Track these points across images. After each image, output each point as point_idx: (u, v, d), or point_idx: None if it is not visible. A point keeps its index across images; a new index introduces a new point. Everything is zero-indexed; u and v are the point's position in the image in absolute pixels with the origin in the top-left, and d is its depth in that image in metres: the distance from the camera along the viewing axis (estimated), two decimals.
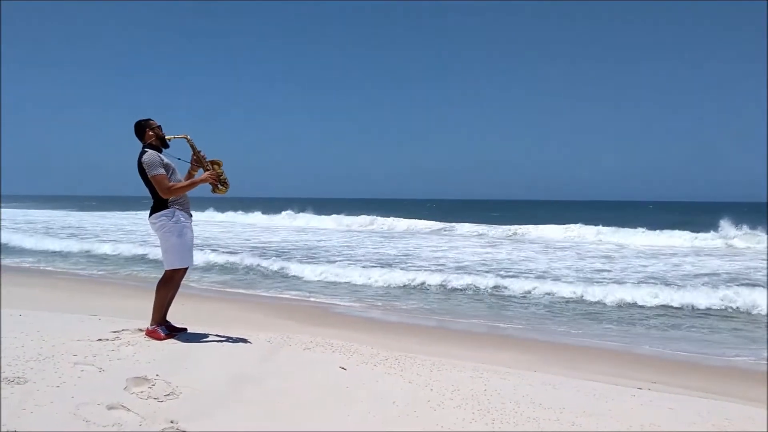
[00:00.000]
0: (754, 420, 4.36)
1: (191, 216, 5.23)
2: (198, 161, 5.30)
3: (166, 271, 5.10)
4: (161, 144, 5.15)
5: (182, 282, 5.36)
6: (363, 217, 37.22)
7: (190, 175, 5.30)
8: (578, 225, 28.69)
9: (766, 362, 7.05)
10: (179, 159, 5.27)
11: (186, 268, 5.23)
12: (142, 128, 5.14)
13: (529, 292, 11.39)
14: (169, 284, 5.10)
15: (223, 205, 43.95)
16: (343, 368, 4.65)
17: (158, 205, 5.01)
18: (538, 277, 13.24)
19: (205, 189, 5.27)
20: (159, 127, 5.18)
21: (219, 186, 5.28)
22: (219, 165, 5.33)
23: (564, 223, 29.83)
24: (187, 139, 5.30)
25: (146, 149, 5.05)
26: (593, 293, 10.93)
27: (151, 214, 5.07)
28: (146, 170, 4.92)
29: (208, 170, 5.26)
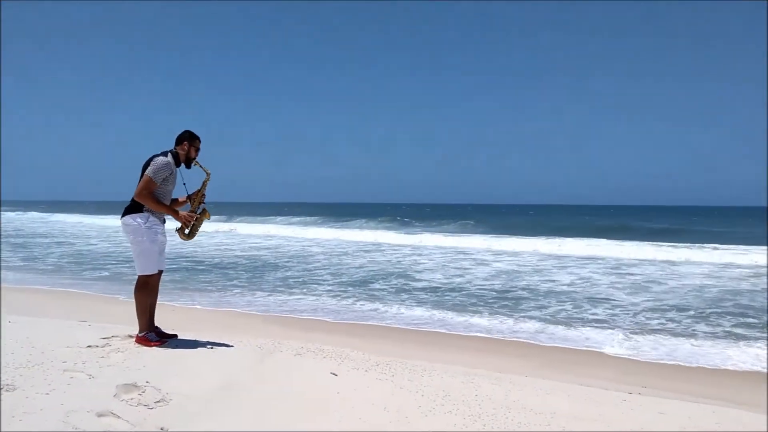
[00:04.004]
0: (744, 423, 4.40)
1: (164, 222, 5.17)
2: (193, 199, 5.30)
3: (139, 276, 5.02)
4: (185, 161, 5.15)
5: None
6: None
7: (178, 203, 5.28)
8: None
9: (766, 366, 7.09)
10: (184, 184, 5.28)
11: (161, 272, 5.16)
12: (182, 138, 5.14)
13: None
14: (145, 289, 5.01)
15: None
16: (334, 374, 4.64)
17: (134, 206, 4.94)
18: None
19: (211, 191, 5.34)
20: (197, 150, 5.19)
21: (184, 231, 5.25)
22: (204, 216, 5.32)
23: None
24: (207, 176, 5.31)
25: (167, 154, 5.05)
26: None
27: (124, 214, 4.98)
28: (149, 166, 4.91)
29: (192, 212, 5.24)
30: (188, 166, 5.19)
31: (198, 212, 5.28)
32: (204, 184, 5.32)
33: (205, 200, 5.37)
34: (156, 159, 4.95)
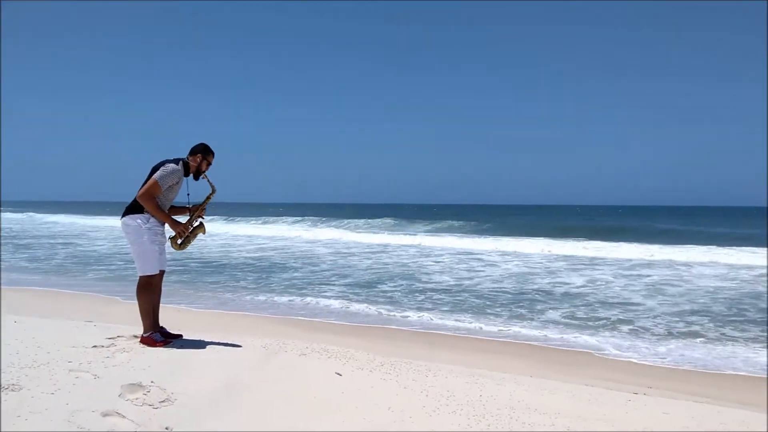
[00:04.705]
0: (749, 424, 4.37)
1: (164, 224, 5.18)
2: (192, 211, 5.34)
3: (140, 277, 5.02)
4: (194, 173, 5.20)
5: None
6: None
7: (177, 211, 5.31)
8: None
9: (765, 368, 7.05)
10: (188, 194, 5.32)
11: (162, 272, 5.17)
12: (196, 150, 5.20)
13: None
14: (148, 290, 5.02)
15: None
16: (338, 374, 4.64)
17: (135, 206, 4.97)
18: None
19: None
20: (209, 164, 5.25)
21: (177, 242, 5.29)
22: (199, 230, 5.37)
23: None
24: (212, 191, 5.38)
25: (178, 161, 5.09)
26: None
27: (125, 214, 5.00)
28: (158, 171, 4.94)
29: (188, 223, 5.29)
30: (196, 178, 5.24)
31: (194, 225, 5.33)
32: (207, 199, 5.38)
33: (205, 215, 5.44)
34: (166, 165, 4.99)
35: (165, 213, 5.05)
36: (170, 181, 4.98)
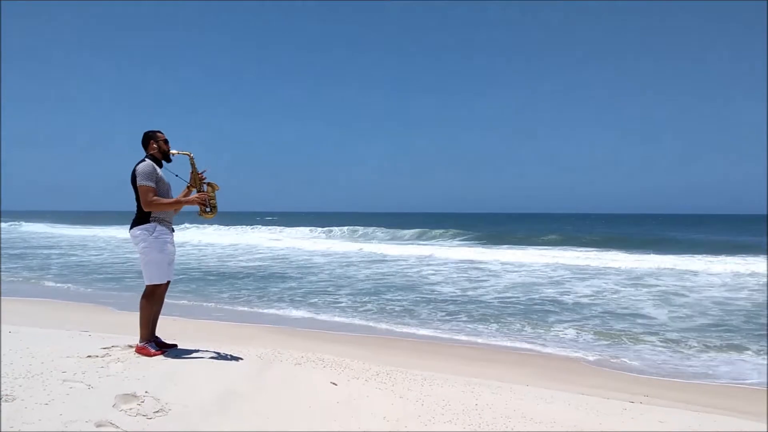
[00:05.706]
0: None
1: (173, 231, 5.21)
2: (193, 184, 5.31)
3: (147, 286, 5.03)
4: (163, 157, 5.17)
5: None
6: None
7: (184, 194, 5.31)
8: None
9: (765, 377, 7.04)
10: (177, 176, 5.29)
11: (168, 282, 5.18)
12: (147, 139, 5.15)
13: None
14: (152, 299, 5.03)
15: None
16: (333, 383, 4.63)
17: (140, 217, 4.98)
18: None
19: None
20: (165, 141, 5.19)
21: (206, 210, 5.26)
22: (214, 188, 5.32)
23: None
24: (190, 156, 5.31)
25: (145, 159, 5.07)
26: None
27: (132, 227, 5.03)
28: (137, 178, 4.94)
29: (200, 192, 5.27)
30: (168, 160, 5.20)
31: (206, 189, 5.29)
32: (192, 164, 5.31)
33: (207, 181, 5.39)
34: (138, 167, 4.98)
35: (175, 200, 5.08)
36: (154, 176, 4.98)
